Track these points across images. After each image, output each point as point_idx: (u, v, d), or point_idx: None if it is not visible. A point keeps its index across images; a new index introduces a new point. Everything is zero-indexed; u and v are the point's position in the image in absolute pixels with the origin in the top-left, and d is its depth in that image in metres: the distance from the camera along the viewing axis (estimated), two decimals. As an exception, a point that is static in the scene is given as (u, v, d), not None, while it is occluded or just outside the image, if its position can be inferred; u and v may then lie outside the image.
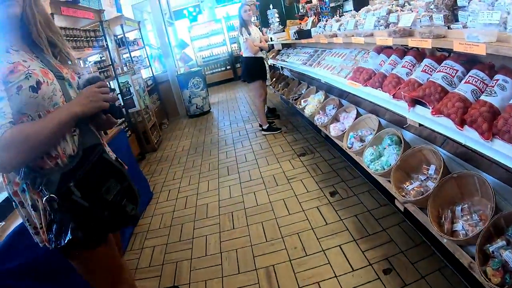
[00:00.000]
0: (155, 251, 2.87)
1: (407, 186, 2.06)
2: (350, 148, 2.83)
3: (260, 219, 2.97)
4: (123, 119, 5.24)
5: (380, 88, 2.01)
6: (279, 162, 4.03)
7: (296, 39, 4.26)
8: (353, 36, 2.49)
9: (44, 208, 1.20)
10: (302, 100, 4.31)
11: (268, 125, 5.07)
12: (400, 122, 2.38)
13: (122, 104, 5.38)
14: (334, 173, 3.43)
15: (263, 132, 5.10)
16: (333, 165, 3.60)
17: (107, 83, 1.55)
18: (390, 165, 2.24)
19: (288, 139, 4.72)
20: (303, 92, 4.68)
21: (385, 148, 2.43)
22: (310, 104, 3.96)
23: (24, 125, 1.11)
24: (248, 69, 5.00)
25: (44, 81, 1.16)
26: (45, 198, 1.15)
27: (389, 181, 2.22)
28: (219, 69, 12.06)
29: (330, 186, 3.20)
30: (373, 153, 2.46)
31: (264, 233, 2.75)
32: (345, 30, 2.69)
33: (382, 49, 2.30)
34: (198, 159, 4.84)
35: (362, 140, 2.78)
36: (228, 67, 12.03)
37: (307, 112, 3.95)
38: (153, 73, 8.02)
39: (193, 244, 2.85)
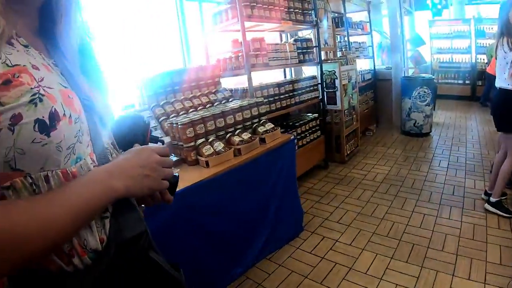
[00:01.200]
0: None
1: None
2: None
3: None
4: (316, 115, 4.26)
5: None
6: (486, 282, 2.17)
7: None
8: None
9: None
10: None
11: (498, 199, 3.02)
12: None
13: (320, 97, 4.35)
14: None
15: (487, 206, 3.07)
16: None
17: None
18: None
19: (516, 236, 2.64)
20: None
21: None
22: None
23: (13, 207, 0.55)
24: (508, 110, 2.94)
25: (64, 114, 0.62)
26: None
27: None
28: (455, 81, 9.42)
29: None
30: None
31: None
32: None
33: None
34: (383, 208, 3.33)
35: None
36: (466, 82, 9.23)
37: None
38: (374, 67, 6.74)
39: None
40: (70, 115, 0.63)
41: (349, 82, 4.68)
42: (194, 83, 2.85)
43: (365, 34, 6.69)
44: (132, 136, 0.92)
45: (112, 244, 0.71)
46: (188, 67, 3.04)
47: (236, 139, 2.37)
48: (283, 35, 4.71)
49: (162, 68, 2.75)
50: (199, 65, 3.07)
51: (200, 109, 2.63)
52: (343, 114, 4.52)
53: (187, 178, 1.98)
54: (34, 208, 0.55)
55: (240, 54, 3.18)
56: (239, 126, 2.55)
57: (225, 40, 3.58)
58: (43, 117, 0.57)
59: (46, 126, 0.58)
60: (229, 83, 3.45)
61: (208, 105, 2.71)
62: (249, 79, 3.15)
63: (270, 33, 4.35)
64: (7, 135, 0.54)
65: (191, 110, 2.59)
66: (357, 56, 5.87)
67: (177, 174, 0.83)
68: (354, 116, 4.98)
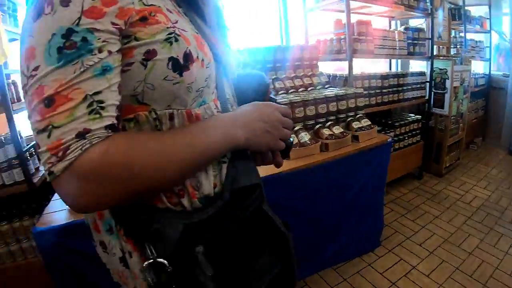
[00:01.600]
0: None
1: None
2: None
3: None
4: (419, 117, 3.78)
5: None
6: None
7: None
8: None
9: (142, 272, 0.61)
10: None
11: None
12: None
13: (427, 97, 3.83)
14: None
15: None
16: None
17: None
18: None
19: None
20: None
21: None
22: None
23: (134, 140, 0.55)
24: None
25: (197, 57, 0.63)
26: (146, 263, 0.59)
27: None
28: None
29: None
30: None
31: None
32: None
33: None
34: (474, 240, 2.74)
35: None
36: None
37: None
38: (489, 72, 5.79)
39: None
40: (203, 59, 0.63)
41: (461, 85, 4.03)
42: (289, 63, 2.60)
43: (483, 32, 5.74)
44: (252, 94, 0.88)
45: (227, 190, 0.69)
46: (285, 45, 2.79)
47: (326, 132, 2.08)
48: (392, 23, 4.20)
49: (255, 43, 2.54)
50: (296, 44, 2.81)
51: (291, 92, 2.38)
52: (449, 120, 3.92)
53: (263, 167, 1.77)
54: (154, 143, 0.56)
55: (342, 36, 2.84)
56: (331, 118, 2.25)
57: (327, 20, 3.24)
58: (177, 56, 0.58)
59: (180, 65, 0.58)
60: (327, 68, 3.14)
61: (301, 89, 2.45)
62: (350, 66, 2.80)
63: (378, 18, 3.90)
64: (138, 69, 0.55)
65: (281, 92, 2.36)
66: (472, 57, 5.08)
67: (292, 139, 0.81)
68: (461, 124, 4.31)
